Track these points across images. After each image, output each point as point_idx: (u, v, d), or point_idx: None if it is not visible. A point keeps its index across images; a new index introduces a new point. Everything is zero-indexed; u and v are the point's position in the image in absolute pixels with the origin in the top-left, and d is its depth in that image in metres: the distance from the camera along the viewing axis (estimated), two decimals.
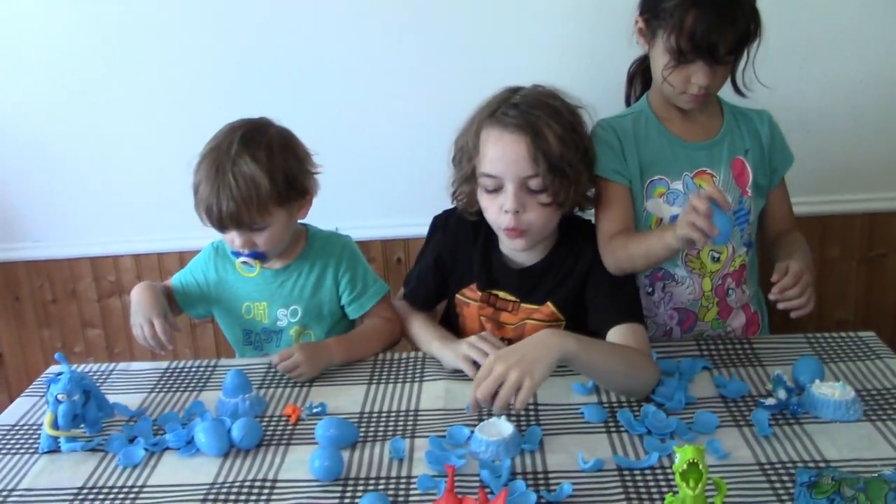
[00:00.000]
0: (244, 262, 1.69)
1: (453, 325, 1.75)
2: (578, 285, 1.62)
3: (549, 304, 1.64)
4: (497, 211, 1.54)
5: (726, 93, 1.68)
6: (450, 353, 1.59)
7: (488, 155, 1.52)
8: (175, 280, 1.82)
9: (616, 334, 1.53)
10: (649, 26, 1.59)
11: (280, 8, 2.09)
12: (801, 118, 2.09)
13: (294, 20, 2.09)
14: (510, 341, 1.64)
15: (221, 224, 1.61)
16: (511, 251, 1.65)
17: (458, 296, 1.72)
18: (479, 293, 1.68)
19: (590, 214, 1.69)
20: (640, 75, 1.78)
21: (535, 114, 1.50)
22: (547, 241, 1.64)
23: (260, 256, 1.67)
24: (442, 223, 1.74)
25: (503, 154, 1.50)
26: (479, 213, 1.61)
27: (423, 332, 1.70)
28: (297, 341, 1.76)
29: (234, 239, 1.64)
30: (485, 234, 1.67)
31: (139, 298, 1.67)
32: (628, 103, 1.81)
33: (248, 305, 1.78)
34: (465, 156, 1.58)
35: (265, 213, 1.61)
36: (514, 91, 1.56)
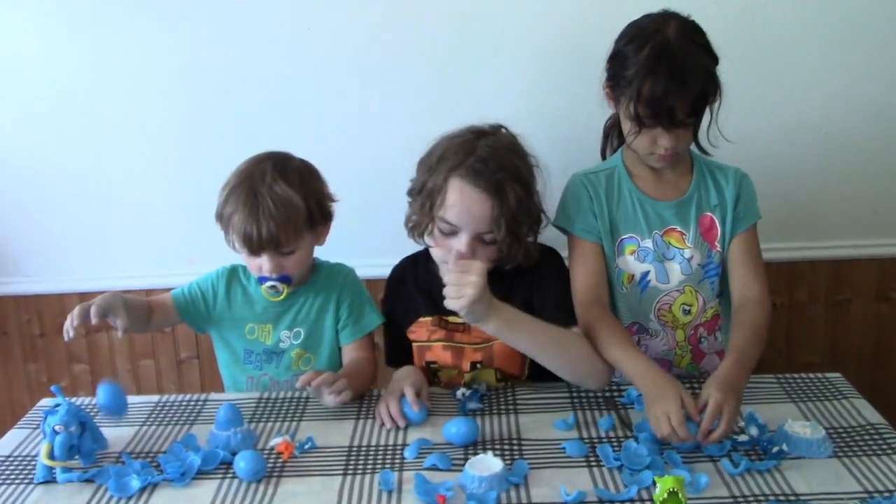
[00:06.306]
0: (271, 287, 1.73)
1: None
2: (524, 301, 1.64)
3: None
4: (447, 249, 1.63)
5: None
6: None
7: (453, 205, 1.60)
8: (177, 292, 1.83)
9: None
10: (614, 92, 1.67)
11: (264, 44, 2.14)
12: (770, 168, 2.17)
13: (278, 55, 2.15)
14: (480, 364, 1.72)
15: (259, 247, 1.67)
16: None
17: (409, 337, 1.78)
18: (429, 319, 1.74)
19: None
20: (615, 129, 1.84)
21: (501, 175, 1.59)
22: None
23: (287, 280, 1.73)
24: (386, 286, 1.84)
25: (468, 209, 1.59)
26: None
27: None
28: (298, 364, 1.82)
29: (263, 264, 1.70)
30: (424, 266, 1.75)
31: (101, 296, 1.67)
32: (604, 155, 1.89)
33: (252, 326, 1.83)
34: (428, 195, 1.64)
35: (299, 236, 1.69)
36: (479, 135, 1.64)
